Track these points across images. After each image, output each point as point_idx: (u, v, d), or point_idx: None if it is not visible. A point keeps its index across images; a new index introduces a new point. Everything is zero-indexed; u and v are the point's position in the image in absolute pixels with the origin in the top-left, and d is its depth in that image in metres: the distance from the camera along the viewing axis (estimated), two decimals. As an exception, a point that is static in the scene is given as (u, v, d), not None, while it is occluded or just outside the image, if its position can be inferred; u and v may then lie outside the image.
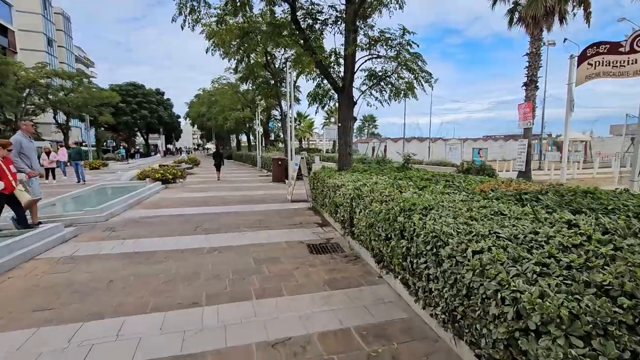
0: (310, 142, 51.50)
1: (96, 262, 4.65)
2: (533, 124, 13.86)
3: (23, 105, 26.38)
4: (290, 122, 13.69)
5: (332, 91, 8.39)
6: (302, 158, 9.39)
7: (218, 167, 15.99)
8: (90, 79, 63.32)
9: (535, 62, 13.79)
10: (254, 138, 38.54)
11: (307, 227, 6.77)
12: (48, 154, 13.76)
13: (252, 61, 15.69)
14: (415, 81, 7.68)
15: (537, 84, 13.90)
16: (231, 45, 12.60)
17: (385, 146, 30.69)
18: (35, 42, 54.48)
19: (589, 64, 14.17)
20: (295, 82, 16.92)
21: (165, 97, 55.02)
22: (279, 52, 15.52)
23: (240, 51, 12.52)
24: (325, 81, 8.54)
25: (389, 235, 3.53)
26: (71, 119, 34.42)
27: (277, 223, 7.04)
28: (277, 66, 17.08)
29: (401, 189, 4.40)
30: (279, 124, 32.41)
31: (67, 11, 67.44)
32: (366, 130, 59.26)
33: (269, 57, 16.44)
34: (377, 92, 7.98)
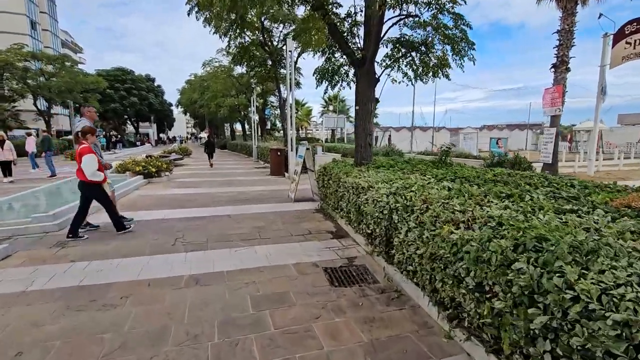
0: (308, 131, 49.59)
1: (16, 308, 3.12)
2: (562, 110, 12.39)
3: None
4: (291, 108, 12.10)
5: (346, 67, 6.80)
6: (307, 149, 7.85)
7: (210, 155, 17.50)
8: (79, 64, 60.66)
9: (567, 40, 12.23)
10: (249, 127, 36.75)
11: (319, 238, 5.27)
12: (2, 143, 10.37)
13: (246, 39, 13.91)
14: (452, 54, 6.11)
15: (569, 66, 12.40)
16: (221, 17, 10.84)
17: (390, 135, 29.10)
18: (17, 25, 51.56)
19: (627, 42, 12.66)
20: (295, 62, 15.16)
21: (156, 84, 52.69)
22: (277, 28, 13.77)
23: (232, 20, 10.71)
24: (337, 54, 6.94)
25: (487, 289, 2.05)
26: (53, 106, 32.28)
27: (281, 232, 5.53)
28: (274, 45, 15.25)
29: (475, 198, 2.90)
30: (277, 112, 30.68)
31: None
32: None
33: (265, 35, 14.63)
34: (406, 66, 6.40)
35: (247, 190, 9.71)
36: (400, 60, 6.31)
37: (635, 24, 12.00)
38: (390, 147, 21.48)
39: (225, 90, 24.26)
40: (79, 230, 5.14)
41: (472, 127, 15.85)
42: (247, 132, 32.92)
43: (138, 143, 48.97)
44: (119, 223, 5.37)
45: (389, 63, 6.34)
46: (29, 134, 12.70)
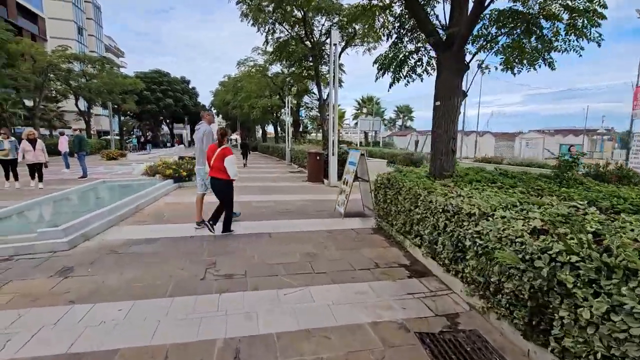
0: (340, 135, 48.30)
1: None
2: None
3: (42, 90, 24.92)
4: (334, 108, 10.87)
5: (420, 52, 5.42)
6: (362, 154, 6.53)
7: (245, 155, 18.84)
8: (120, 68, 63.20)
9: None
10: (281, 130, 36.03)
11: (392, 275, 3.93)
12: (33, 142, 9.15)
13: (285, 33, 12.82)
14: (566, 33, 4.58)
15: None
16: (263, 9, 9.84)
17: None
18: (66, 31, 54.33)
19: None
20: (339, 57, 13.82)
21: (190, 86, 53.54)
22: (319, 20, 12.57)
23: (274, 7, 9.59)
24: (406, 38, 5.58)
25: None
26: (93, 106, 33.16)
27: (339, 264, 4.24)
28: (316, 39, 13.98)
29: None
30: (311, 113, 29.63)
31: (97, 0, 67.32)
32: (401, 122, 54.85)
33: (307, 28, 13.42)
34: (507, 49, 4.87)
35: (286, 199, 8.53)
36: (499, 40, 4.83)
37: None
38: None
39: (259, 90, 23.50)
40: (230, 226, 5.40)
41: (534, 131, 13.78)
42: (280, 135, 32.17)
43: (168, 144, 49.03)
44: (228, 225, 5.42)
45: (482, 43, 4.88)
46: (62, 133, 12.35)
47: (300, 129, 32.10)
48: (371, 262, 4.35)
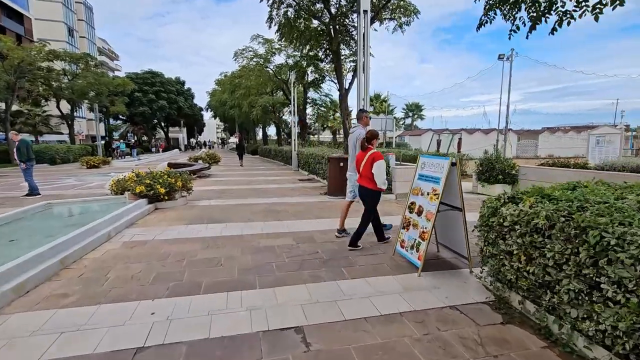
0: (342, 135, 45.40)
1: None
2: None
3: (15, 91, 22.14)
4: (365, 96, 8.12)
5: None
6: (452, 164, 3.74)
7: (240, 156, 21.12)
8: (115, 71, 60.34)
9: None
10: (284, 132, 33.23)
11: None
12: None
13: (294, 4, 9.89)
14: None
15: None
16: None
17: (460, 139, 24.04)
18: (55, 32, 51.72)
19: None
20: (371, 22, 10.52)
21: (186, 87, 50.75)
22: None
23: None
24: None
25: None
26: (77, 109, 30.38)
27: None
28: (337, 9, 10.84)
29: None
30: (321, 104, 26.59)
31: (93, 7, 64.78)
32: (410, 121, 52.12)
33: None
34: None
35: (307, 230, 5.74)
36: None
37: None
38: (460, 153, 17.02)
39: (259, 86, 20.69)
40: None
41: (610, 125, 11.15)
42: (283, 136, 29.37)
43: (153, 149, 43.13)
44: (357, 236, 4.69)
45: None
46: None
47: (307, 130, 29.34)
48: None
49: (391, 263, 4.14)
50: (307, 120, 25.57)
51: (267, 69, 19.77)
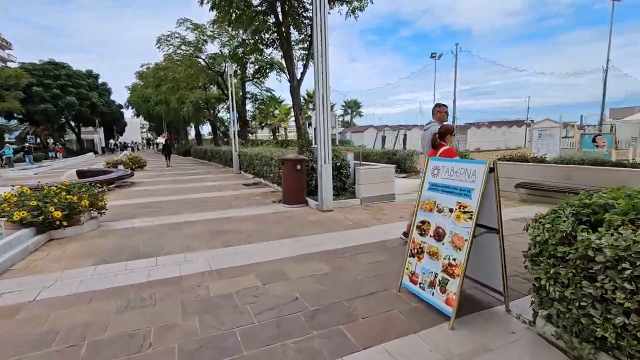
0: (288, 133, 43.61)
1: None
2: None
3: None
4: (325, 88, 6.94)
5: None
6: (490, 169, 2.71)
7: (167, 156, 20.69)
8: (7, 62, 50.65)
9: None
10: (220, 131, 30.57)
11: None
12: None
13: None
14: None
15: None
16: None
17: (405, 135, 24.09)
18: None
19: None
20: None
21: (100, 81, 44.33)
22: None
23: None
24: None
25: None
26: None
27: None
28: None
29: None
30: (259, 104, 24.87)
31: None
32: (349, 118, 52.51)
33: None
34: None
35: (272, 259, 4.34)
36: None
37: None
38: (407, 150, 16.90)
39: (190, 79, 18.16)
40: None
41: (550, 120, 11.69)
42: (220, 136, 26.82)
43: (51, 154, 33.71)
44: None
45: None
46: None
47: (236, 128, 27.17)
48: None
49: (404, 308, 3.00)
50: (247, 118, 23.54)
51: (199, 58, 17.41)
